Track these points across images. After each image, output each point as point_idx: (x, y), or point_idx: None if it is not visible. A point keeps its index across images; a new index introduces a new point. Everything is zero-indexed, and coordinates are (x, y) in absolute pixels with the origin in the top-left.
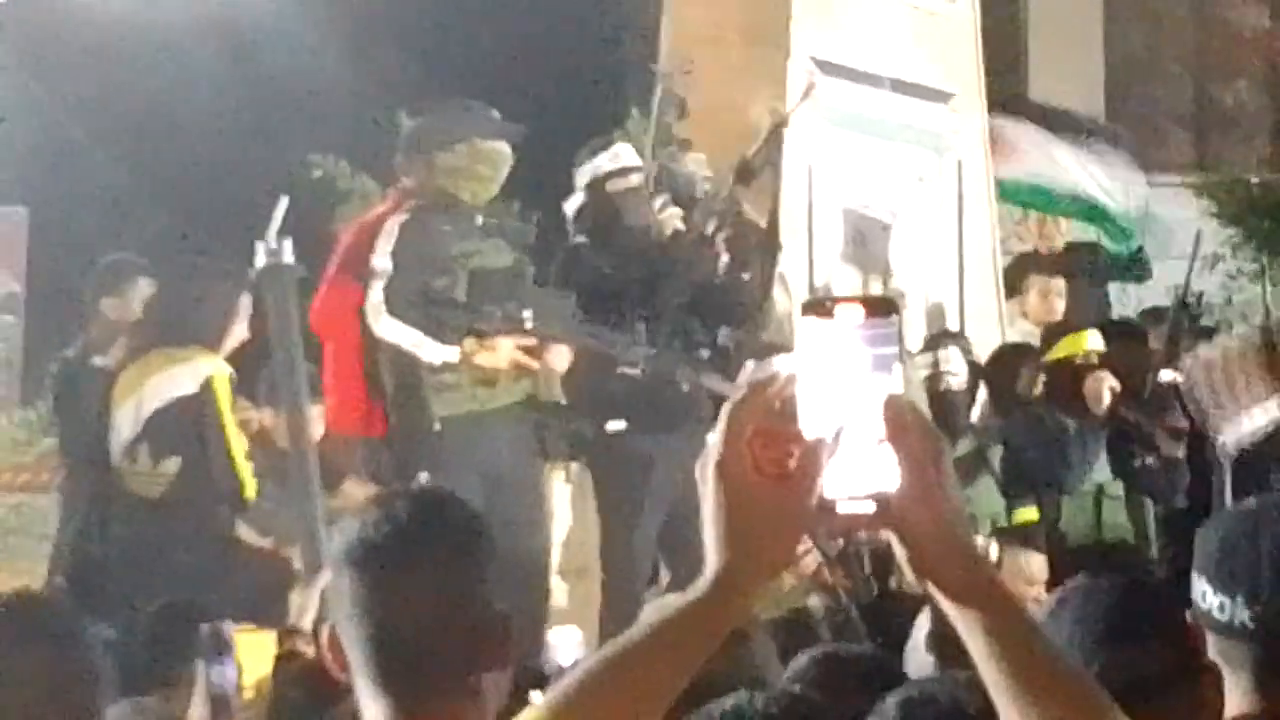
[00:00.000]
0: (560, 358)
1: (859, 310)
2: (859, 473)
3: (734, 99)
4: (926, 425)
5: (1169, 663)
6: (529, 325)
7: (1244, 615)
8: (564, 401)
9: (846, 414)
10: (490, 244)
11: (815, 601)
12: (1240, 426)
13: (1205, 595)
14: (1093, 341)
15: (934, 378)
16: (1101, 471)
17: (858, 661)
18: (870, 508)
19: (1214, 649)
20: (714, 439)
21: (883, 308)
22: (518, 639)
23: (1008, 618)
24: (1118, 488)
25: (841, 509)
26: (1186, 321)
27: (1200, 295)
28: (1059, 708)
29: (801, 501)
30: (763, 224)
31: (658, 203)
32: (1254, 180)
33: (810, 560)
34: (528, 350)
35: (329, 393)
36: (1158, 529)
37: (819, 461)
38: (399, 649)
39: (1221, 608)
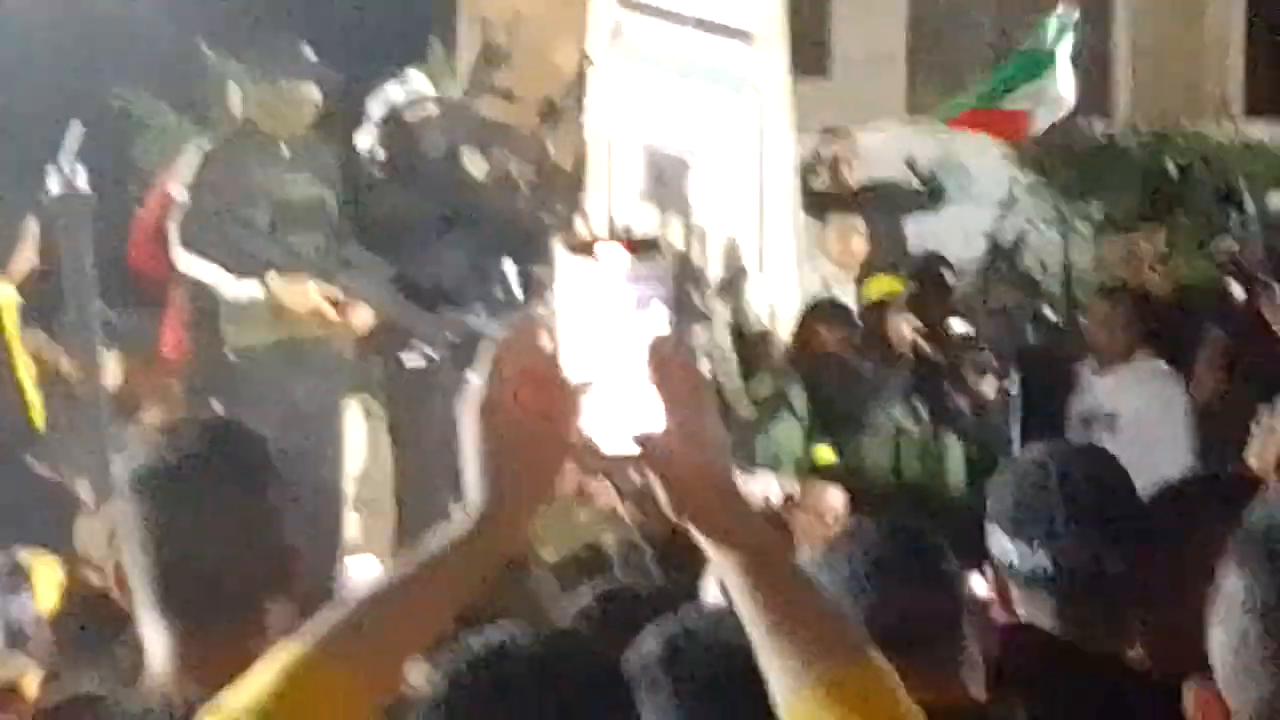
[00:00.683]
0: (362, 318)
1: (623, 250)
2: (622, 413)
3: (538, 37)
4: (690, 366)
5: (937, 610)
6: (340, 280)
7: (1043, 562)
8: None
9: (610, 354)
10: (297, 177)
11: (609, 538)
12: None
13: (1003, 545)
14: (893, 284)
15: (737, 318)
16: (901, 413)
17: (640, 597)
18: (633, 448)
19: (1018, 598)
20: (476, 378)
21: (647, 248)
22: (307, 570)
23: (766, 558)
24: (917, 429)
25: (604, 449)
26: (1001, 266)
27: (1019, 239)
28: (815, 648)
29: (562, 442)
30: (568, 165)
31: (466, 152)
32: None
33: (605, 497)
34: (331, 302)
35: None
36: (968, 470)
37: (580, 402)
38: (183, 578)
39: (1020, 557)
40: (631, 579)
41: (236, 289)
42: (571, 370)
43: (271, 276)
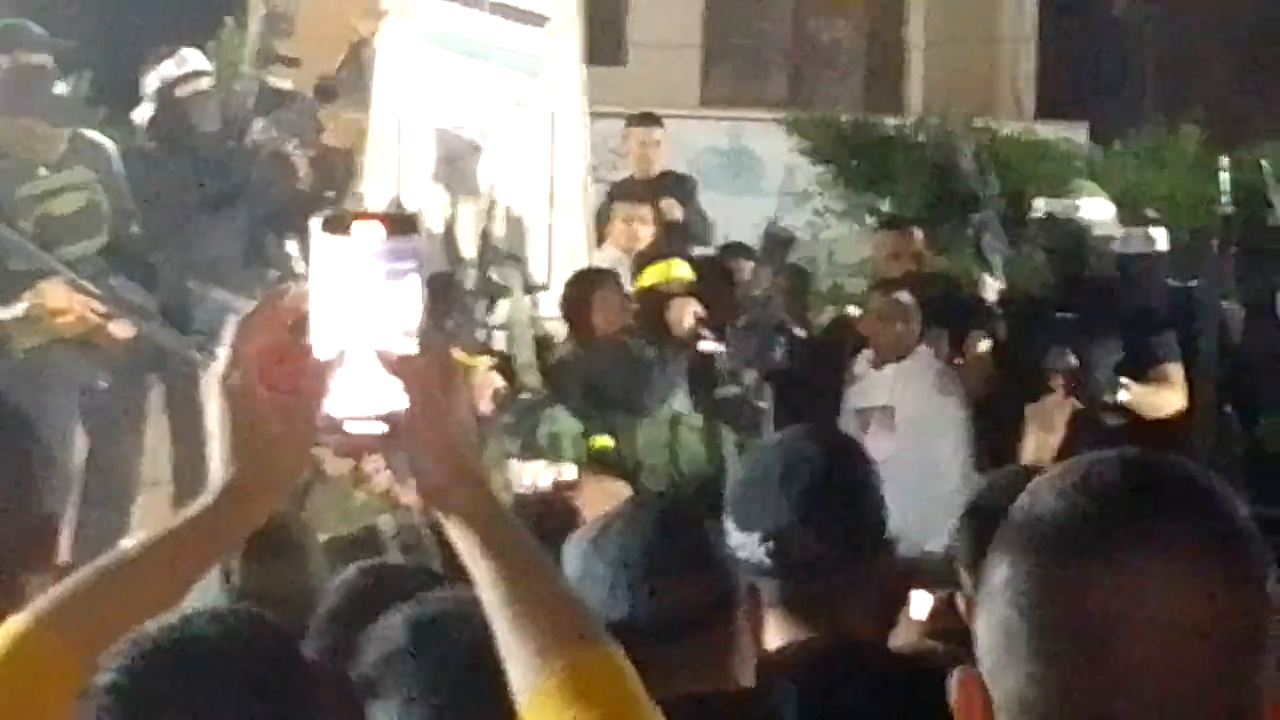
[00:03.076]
0: (123, 330)
1: (378, 228)
2: (370, 392)
3: (327, 12)
4: (439, 347)
5: (708, 596)
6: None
7: (762, 553)
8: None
9: (360, 332)
10: (66, 176)
11: (387, 520)
12: None
13: (731, 533)
14: (679, 270)
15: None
16: (680, 400)
17: (400, 575)
18: (379, 428)
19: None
20: (222, 352)
21: (403, 226)
22: (60, 543)
23: (509, 545)
24: (695, 417)
25: (350, 428)
26: (777, 254)
27: (790, 233)
28: (555, 636)
29: (306, 419)
30: (343, 144)
31: (257, 124)
32: (846, 118)
33: (383, 478)
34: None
35: None
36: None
37: (325, 379)
38: None
39: (743, 546)
40: (408, 560)
41: (7, 314)
42: (319, 347)
43: (30, 292)
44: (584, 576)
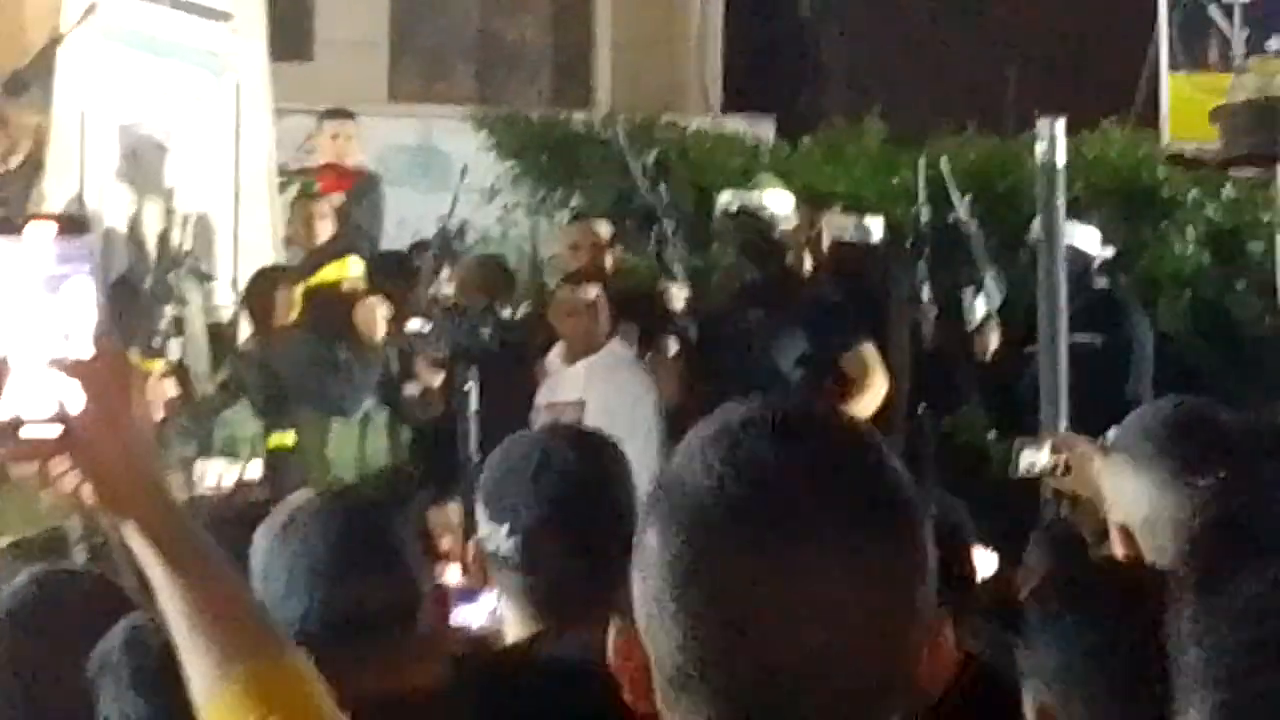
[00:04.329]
0: None
1: (50, 228)
2: (45, 396)
3: (11, 11)
4: (115, 350)
5: (393, 593)
6: None
7: (507, 545)
8: None
9: (33, 335)
10: None
11: (73, 523)
12: None
13: (485, 525)
14: (354, 269)
15: (209, 302)
16: (367, 399)
17: (78, 581)
18: (55, 431)
19: (495, 578)
20: None
21: (75, 226)
22: None
23: (187, 553)
24: (382, 414)
25: (25, 433)
26: (451, 250)
27: (464, 224)
28: (234, 644)
29: None
30: (26, 145)
31: None
32: (533, 115)
33: (68, 480)
34: None
35: None
36: (412, 453)
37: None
38: None
39: (489, 536)
40: (92, 564)
41: None
42: None
43: None
44: (267, 573)
